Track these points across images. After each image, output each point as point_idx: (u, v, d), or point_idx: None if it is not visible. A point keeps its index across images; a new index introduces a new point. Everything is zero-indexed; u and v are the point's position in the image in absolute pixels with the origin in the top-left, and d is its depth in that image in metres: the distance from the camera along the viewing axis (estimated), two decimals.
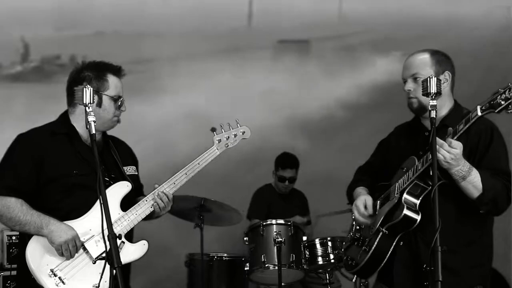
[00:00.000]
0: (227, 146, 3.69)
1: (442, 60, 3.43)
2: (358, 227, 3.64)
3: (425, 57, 3.43)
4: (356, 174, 3.82)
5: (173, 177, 3.58)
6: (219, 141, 3.68)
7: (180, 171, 3.59)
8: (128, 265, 3.55)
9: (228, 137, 3.70)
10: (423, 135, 3.44)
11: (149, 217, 3.62)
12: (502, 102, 3.04)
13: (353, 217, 3.64)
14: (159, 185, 3.55)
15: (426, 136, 3.41)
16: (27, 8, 6.24)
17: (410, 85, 3.40)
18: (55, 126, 3.58)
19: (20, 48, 6.48)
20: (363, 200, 3.54)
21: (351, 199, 3.70)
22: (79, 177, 3.43)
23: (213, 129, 3.71)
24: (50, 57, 6.61)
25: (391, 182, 3.49)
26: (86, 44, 6.50)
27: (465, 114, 3.27)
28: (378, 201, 3.53)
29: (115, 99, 3.52)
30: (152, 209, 3.53)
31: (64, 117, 3.59)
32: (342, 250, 5.11)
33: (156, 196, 3.52)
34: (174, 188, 3.56)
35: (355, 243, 3.60)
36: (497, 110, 3.06)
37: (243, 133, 3.75)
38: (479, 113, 3.10)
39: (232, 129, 3.72)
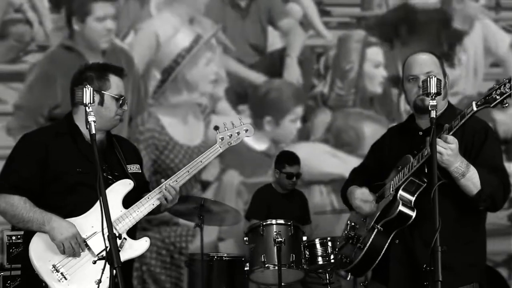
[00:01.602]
0: (230, 144, 3.71)
1: (442, 63, 3.49)
2: (353, 224, 3.64)
3: (433, 57, 3.47)
4: (350, 175, 3.82)
5: (175, 174, 3.60)
6: (222, 139, 3.69)
7: (183, 168, 3.63)
8: (131, 262, 3.59)
9: (231, 135, 3.71)
10: (417, 135, 3.46)
11: (156, 211, 3.67)
12: (498, 97, 3.06)
13: (356, 209, 3.62)
14: (165, 180, 3.59)
15: (420, 136, 3.43)
16: None
17: None
18: (59, 127, 3.66)
19: None
20: (360, 190, 3.54)
21: (345, 200, 3.70)
22: (81, 175, 3.47)
23: (216, 128, 3.72)
24: None
25: (385, 182, 3.50)
26: None
27: (459, 112, 3.30)
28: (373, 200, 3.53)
29: (117, 98, 3.56)
30: (158, 203, 3.57)
31: (68, 118, 3.65)
32: (336, 250, 5.16)
33: (163, 190, 3.55)
34: (176, 185, 3.58)
35: (350, 241, 3.60)
36: (492, 105, 3.08)
37: (246, 131, 3.76)
38: (475, 108, 3.11)
39: (235, 127, 3.73)
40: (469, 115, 3.13)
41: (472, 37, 7.07)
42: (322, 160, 6.88)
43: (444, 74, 3.45)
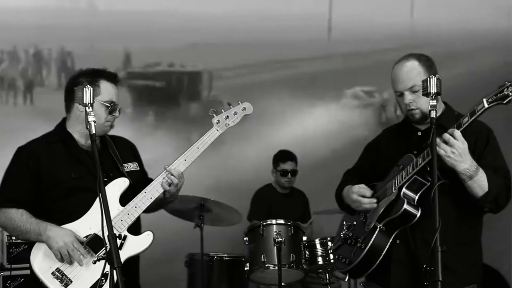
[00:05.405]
0: (227, 126, 3.61)
1: (430, 65, 3.41)
2: (350, 224, 3.61)
3: (415, 65, 3.38)
4: (344, 176, 3.76)
5: (172, 163, 3.55)
6: (218, 122, 3.59)
7: (180, 156, 3.56)
8: (136, 259, 3.57)
9: (228, 116, 3.61)
10: (416, 135, 3.44)
11: (161, 204, 3.67)
12: (511, 94, 3.02)
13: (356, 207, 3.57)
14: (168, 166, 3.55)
15: (419, 136, 3.42)
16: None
17: (409, 97, 3.35)
18: (51, 136, 3.67)
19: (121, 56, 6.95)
20: (357, 185, 3.50)
21: (340, 201, 3.66)
22: (76, 180, 3.50)
23: (212, 111, 3.61)
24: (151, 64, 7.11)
25: (384, 181, 3.47)
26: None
27: (457, 115, 3.29)
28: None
29: (107, 105, 3.54)
30: (161, 189, 3.52)
31: (61, 126, 3.67)
32: (330, 250, 5.13)
33: (166, 175, 3.51)
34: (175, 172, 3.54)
35: (348, 242, 3.56)
36: (505, 102, 3.03)
37: (244, 109, 3.64)
38: (486, 105, 3.06)
39: (232, 107, 3.62)
40: (480, 112, 3.08)
41: None
42: None
43: (434, 74, 3.31)
